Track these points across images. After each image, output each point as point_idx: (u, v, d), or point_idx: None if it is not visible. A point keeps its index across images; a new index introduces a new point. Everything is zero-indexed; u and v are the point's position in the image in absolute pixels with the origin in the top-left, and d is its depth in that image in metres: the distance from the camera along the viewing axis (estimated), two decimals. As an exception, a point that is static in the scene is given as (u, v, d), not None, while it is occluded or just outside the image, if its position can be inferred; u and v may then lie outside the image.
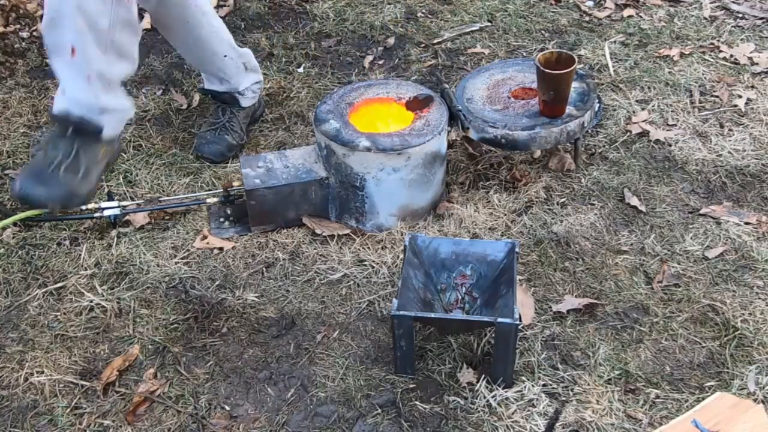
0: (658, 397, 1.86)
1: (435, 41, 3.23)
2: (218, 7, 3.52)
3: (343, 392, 1.91)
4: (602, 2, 3.43)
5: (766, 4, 3.36)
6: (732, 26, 3.23)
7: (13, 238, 2.36)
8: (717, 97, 2.83)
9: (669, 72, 2.97)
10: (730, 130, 2.68)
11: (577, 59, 2.34)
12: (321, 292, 2.18)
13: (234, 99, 2.65)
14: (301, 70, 3.10)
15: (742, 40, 3.13)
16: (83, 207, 2.34)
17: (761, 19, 3.28)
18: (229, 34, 2.57)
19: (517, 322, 1.79)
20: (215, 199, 2.42)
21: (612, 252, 2.25)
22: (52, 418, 1.88)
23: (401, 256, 2.13)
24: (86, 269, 2.26)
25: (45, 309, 2.15)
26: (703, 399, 1.74)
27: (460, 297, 2.05)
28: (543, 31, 3.26)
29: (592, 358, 1.95)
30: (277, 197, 2.30)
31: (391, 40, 3.25)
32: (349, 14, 3.42)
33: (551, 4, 3.44)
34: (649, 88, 2.89)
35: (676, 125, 2.71)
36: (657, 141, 2.64)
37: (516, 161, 2.58)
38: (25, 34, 3.33)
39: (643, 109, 2.79)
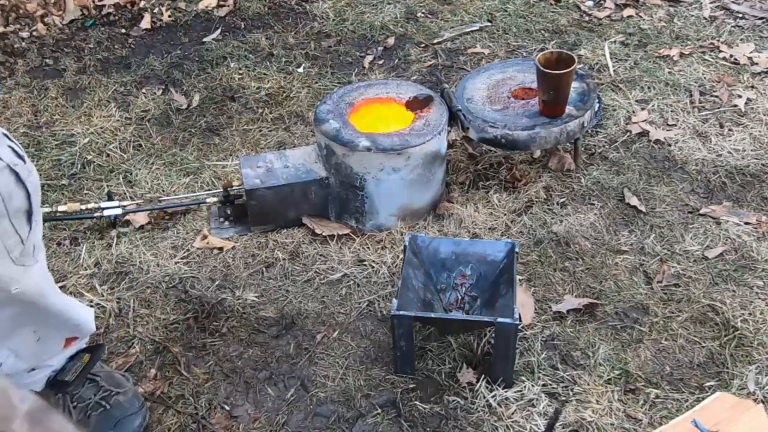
0: (658, 397, 1.86)
1: (435, 41, 3.23)
2: (218, 6, 3.52)
3: (343, 392, 1.91)
4: (602, 2, 3.43)
5: (766, 4, 3.36)
6: (732, 26, 3.23)
7: (13, 238, 2.36)
8: (717, 97, 2.83)
9: (669, 72, 2.97)
10: (730, 130, 2.68)
11: (577, 59, 2.34)
12: (321, 292, 2.18)
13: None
14: (301, 70, 3.10)
15: (742, 40, 3.13)
16: (83, 207, 2.34)
17: (761, 19, 3.28)
18: None
19: (517, 322, 1.79)
20: (215, 199, 2.42)
21: (612, 252, 2.25)
22: (52, 418, 1.88)
23: (401, 256, 2.13)
24: (86, 269, 2.26)
25: (45, 309, 2.14)
26: (703, 399, 1.74)
27: (460, 297, 2.05)
28: (543, 31, 3.26)
29: (592, 358, 1.95)
30: (277, 197, 2.30)
31: (391, 40, 3.25)
32: (349, 14, 3.42)
33: (551, 4, 3.43)
34: (649, 88, 2.89)
35: (676, 125, 2.71)
36: (657, 141, 2.64)
37: (516, 161, 2.58)
38: (25, 34, 3.33)
39: (643, 109, 2.79)
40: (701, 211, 2.37)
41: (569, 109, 2.40)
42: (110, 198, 2.43)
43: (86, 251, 2.31)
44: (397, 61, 3.15)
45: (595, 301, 2.09)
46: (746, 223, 2.32)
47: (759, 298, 2.09)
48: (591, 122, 2.48)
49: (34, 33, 3.34)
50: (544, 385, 1.89)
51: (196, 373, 1.97)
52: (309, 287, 2.19)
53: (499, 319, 1.79)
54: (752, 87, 2.87)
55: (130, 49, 3.28)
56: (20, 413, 1.14)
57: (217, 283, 2.21)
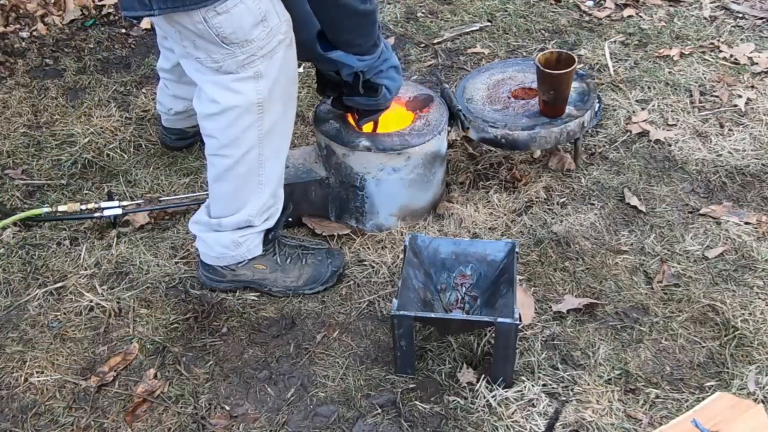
0: (658, 397, 1.86)
1: (435, 41, 3.23)
2: (218, 7, 3.52)
3: (343, 392, 1.91)
4: (602, 2, 3.43)
5: (766, 4, 3.36)
6: (732, 26, 3.23)
7: (13, 238, 2.36)
8: (717, 97, 2.83)
9: (669, 72, 2.97)
10: (730, 130, 2.68)
11: (577, 59, 2.34)
12: (321, 292, 2.18)
13: None
14: (300, 69, 3.10)
15: (742, 40, 3.13)
16: (83, 207, 2.35)
17: (761, 19, 3.28)
18: None
19: (517, 322, 1.79)
20: (215, 199, 2.41)
21: (612, 252, 2.25)
22: (52, 418, 1.88)
23: (401, 256, 2.13)
24: (86, 269, 2.26)
25: (45, 309, 2.15)
26: (703, 399, 1.74)
27: (460, 297, 2.05)
28: (543, 31, 3.26)
29: (592, 358, 1.95)
30: (277, 197, 2.30)
31: (391, 40, 3.25)
32: (349, 14, 3.41)
33: (551, 4, 3.44)
34: (649, 88, 2.89)
35: (676, 125, 2.71)
36: (657, 141, 2.64)
37: (516, 161, 2.58)
38: (25, 34, 3.33)
39: (643, 109, 2.79)
40: (701, 211, 2.37)
41: (569, 109, 2.40)
42: (110, 198, 2.43)
43: (86, 251, 2.31)
44: (397, 61, 3.14)
45: (595, 301, 2.09)
46: (746, 223, 2.32)
47: (759, 298, 2.09)
48: (591, 122, 2.48)
49: (34, 33, 3.34)
50: (544, 385, 1.89)
51: (196, 373, 1.97)
52: (309, 287, 2.19)
53: (499, 319, 1.79)
54: (752, 87, 2.87)
55: (130, 49, 3.28)
56: None
57: (217, 283, 2.21)
